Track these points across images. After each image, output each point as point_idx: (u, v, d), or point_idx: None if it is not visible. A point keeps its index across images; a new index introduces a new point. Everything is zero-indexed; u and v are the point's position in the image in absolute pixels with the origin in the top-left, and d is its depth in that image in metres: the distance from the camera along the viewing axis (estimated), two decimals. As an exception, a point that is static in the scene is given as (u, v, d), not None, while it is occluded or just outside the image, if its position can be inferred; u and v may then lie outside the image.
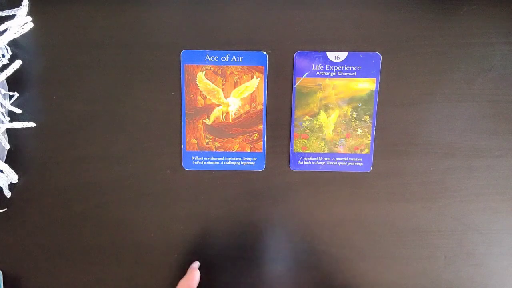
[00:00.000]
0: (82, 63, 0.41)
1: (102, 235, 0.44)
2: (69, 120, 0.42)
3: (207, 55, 0.41)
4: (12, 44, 0.40)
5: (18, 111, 0.40)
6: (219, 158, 0.43)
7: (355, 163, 0.43)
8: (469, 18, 0.40)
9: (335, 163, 0.43)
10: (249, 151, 0.43)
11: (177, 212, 0.43)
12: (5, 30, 0.38)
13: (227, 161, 0.43)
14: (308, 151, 0.43)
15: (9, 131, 0.41)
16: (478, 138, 0.42)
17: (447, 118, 0.42)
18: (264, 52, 0.41)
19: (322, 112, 0.42)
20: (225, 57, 0.41)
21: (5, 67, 0.39)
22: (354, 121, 0.42)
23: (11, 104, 0.40)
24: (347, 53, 0.41)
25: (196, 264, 0.42)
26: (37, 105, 0.41)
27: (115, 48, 0.41)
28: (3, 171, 0.40)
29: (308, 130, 0.42)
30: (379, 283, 0.45)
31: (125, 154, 0.42)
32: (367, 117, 0.42)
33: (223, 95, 0.42)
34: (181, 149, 0.43)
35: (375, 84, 0.41)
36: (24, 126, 0.40)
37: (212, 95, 0.42)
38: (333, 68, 0.41)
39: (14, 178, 0.40)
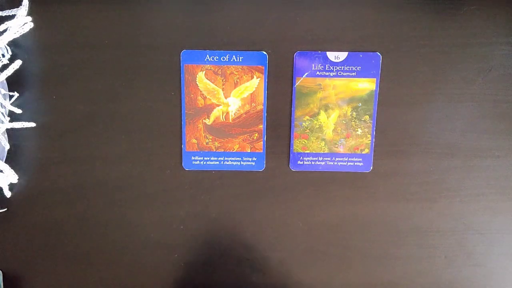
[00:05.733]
0: (82, 63, 0.41)
1: (102, 235, 0.44)
2: (69, 120, 0.42)
3: (207, 55, 0.41)
4: (12, 44, 0.40)
5: (18, 111, 0.40)
6: (219, 158, 0.43)
7: (355, 163, 0.43)
8: (469, 18, 0.40)
9: (335, 163, 0.43)
10: (249, 151, 0.43)
11: (177, 212, 0.43)
12: (5, 30, 0.38)
13: (227, 161, 0.43)
14: (308, 151, 0.43)
15: (9, 131, 0.41)
16: (478, 138, 0.42)
17: (447, 118, 0.42)
18: (264, 52, 0.41)
19: (322, 112, 0.42)
20: (225, 57, 0.41)
21: (5, 67, 0.39)
22: (354, 121, 0.42)
23: (11, 104, 0.40)
24: (347, 53, 0.41)
25: None
26: (37, 105, 0.41)
27: (115, 48, 0.41)
28: (3, 171, 0.40)
29: (308, 130, 0.42)
30: (379, 283, 0.45)
31: (125, 154, 0.42)
32: (367, 117, 0.42)
33: (223, 95, 0.42)
34: (181, 149, 0.43)
35: (375, 84, 0.41)
36: (24, 126, 0.40)
37: (212, 95, 0.42)
38: (333, 68, 0.41)
39: (14, 178, 0.40)
